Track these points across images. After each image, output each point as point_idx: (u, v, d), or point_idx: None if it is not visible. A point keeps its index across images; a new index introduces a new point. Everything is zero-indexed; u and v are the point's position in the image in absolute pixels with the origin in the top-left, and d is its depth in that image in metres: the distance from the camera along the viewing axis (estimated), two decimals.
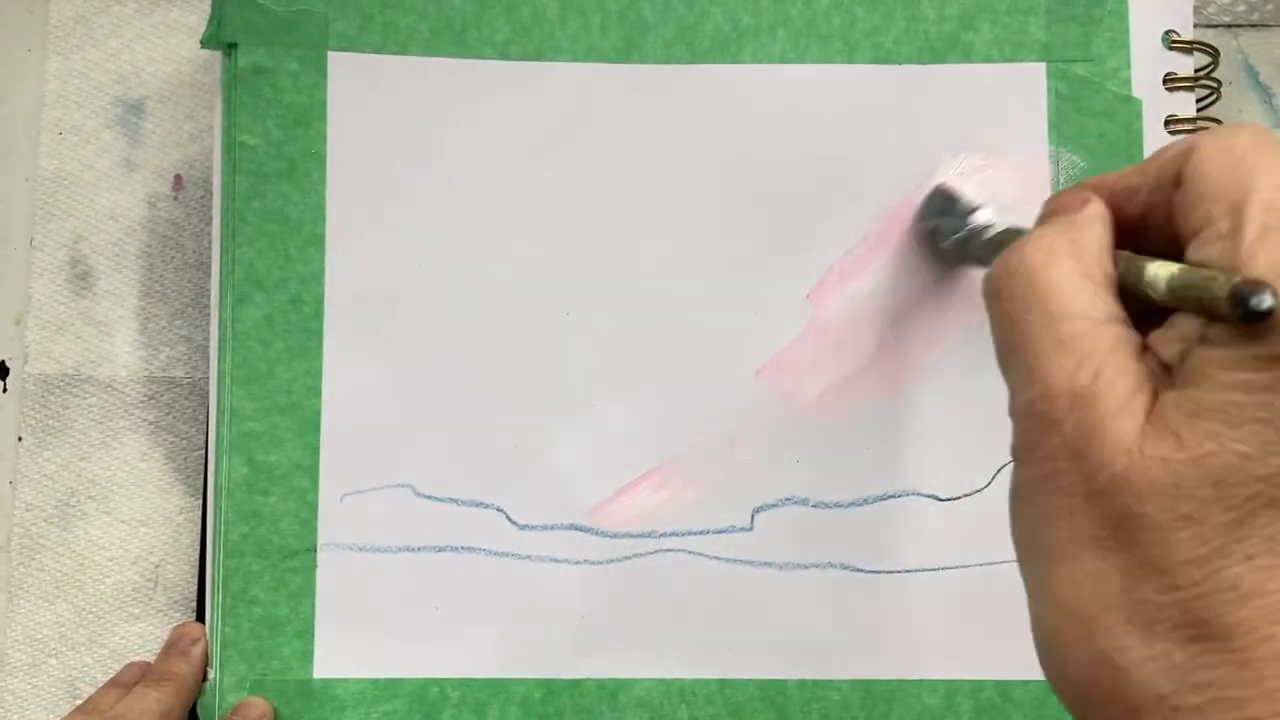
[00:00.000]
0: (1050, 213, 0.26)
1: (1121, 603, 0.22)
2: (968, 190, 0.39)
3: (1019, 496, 0.24)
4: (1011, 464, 0.24)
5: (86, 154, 0.42)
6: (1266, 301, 0.21)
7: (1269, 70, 0.43)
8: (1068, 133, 0.40)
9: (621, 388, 0.39)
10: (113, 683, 0.38)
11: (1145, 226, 0.25)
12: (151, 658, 0.39)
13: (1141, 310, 0.24)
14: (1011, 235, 0.32)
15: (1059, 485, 0.23)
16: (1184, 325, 0.23)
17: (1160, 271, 0.23)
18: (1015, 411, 0.24)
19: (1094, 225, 0.25)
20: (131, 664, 0.39)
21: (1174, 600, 0.21)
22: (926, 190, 0.39)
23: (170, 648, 0.38)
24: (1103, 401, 0.22)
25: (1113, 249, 0.25)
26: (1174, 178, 0.24)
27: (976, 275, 0.36)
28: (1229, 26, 0.43)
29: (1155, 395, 0.22)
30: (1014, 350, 0.24)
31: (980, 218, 0.36)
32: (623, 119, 0.40)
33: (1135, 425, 0.22)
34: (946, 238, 0.37)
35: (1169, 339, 0.23)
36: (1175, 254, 0.24)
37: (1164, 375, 0.23)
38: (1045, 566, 0.23)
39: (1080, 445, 0.22)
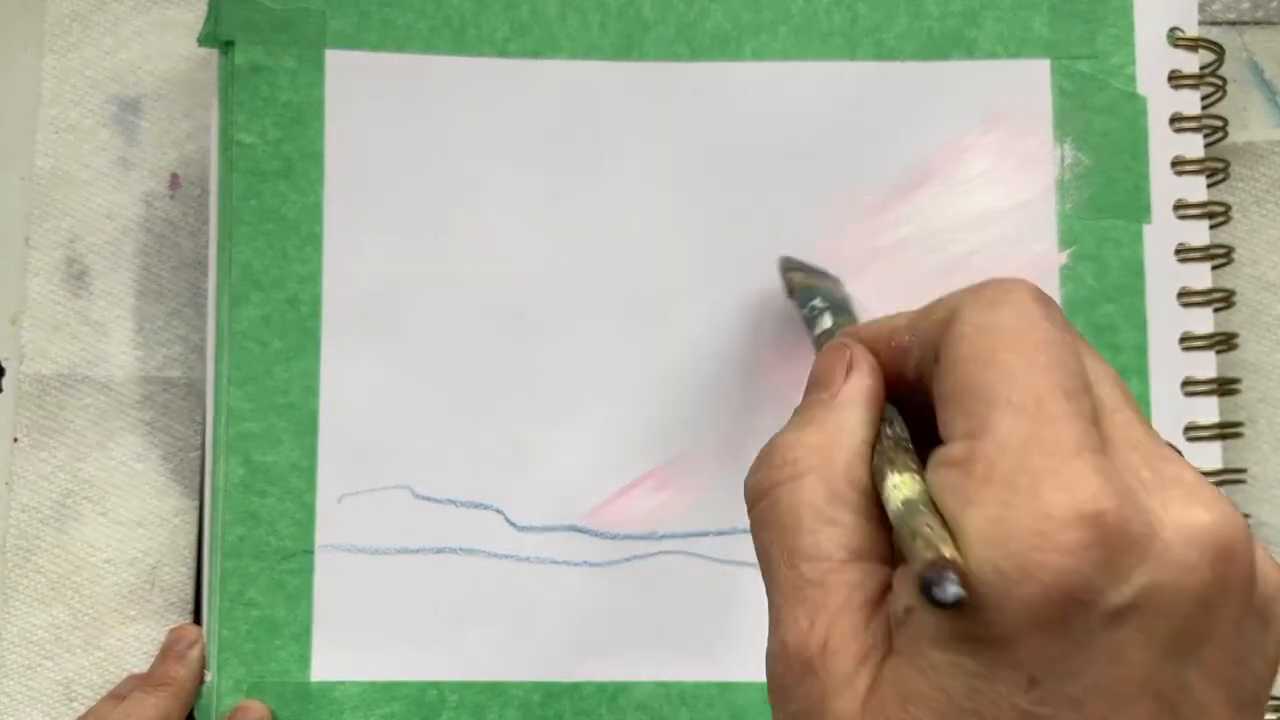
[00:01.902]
0: (812, 382, 0.24)
1: None
2: (806, 267, 0.37)
3: None
4: None
5: (82, 152, 0.42)
6: (950, 592, 0.18)
7: (1273, 67, 0.42)
8: (1072, 130, 0.39)
9: (622, 388, 0.39)
10: (112, 695, 0.38)
11: (925, 389, 0.22)
12: (148, 660, 0.39)
13: None
14: (828, 337, 0.29)
15: None
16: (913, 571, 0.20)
17: (899, 489, 0.21)
18: (766, 652, 0.22)
19: (851, 415, 0.23)
20: (131, 676, 0.39)
21: None
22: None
23: (167, 651, 0.38)
24: (828, 675, 0.20)
25: (873, 440, 0.22)
26: (936, 347, 0.22)
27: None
28: (1234, 24, 0.42)
29: (880, 663, 0.20)
30: (765, 579, 0.22)
31: (818, 299, 0.34)
32: (622, 117, 0.39)
33: (853, 708, 0.20)
34: (800, 302, 0.35)
35: (904, 588, 0.20)
36: None
37: (895, 628, 0.20)
38: None
39: (809, 718, 0.20)
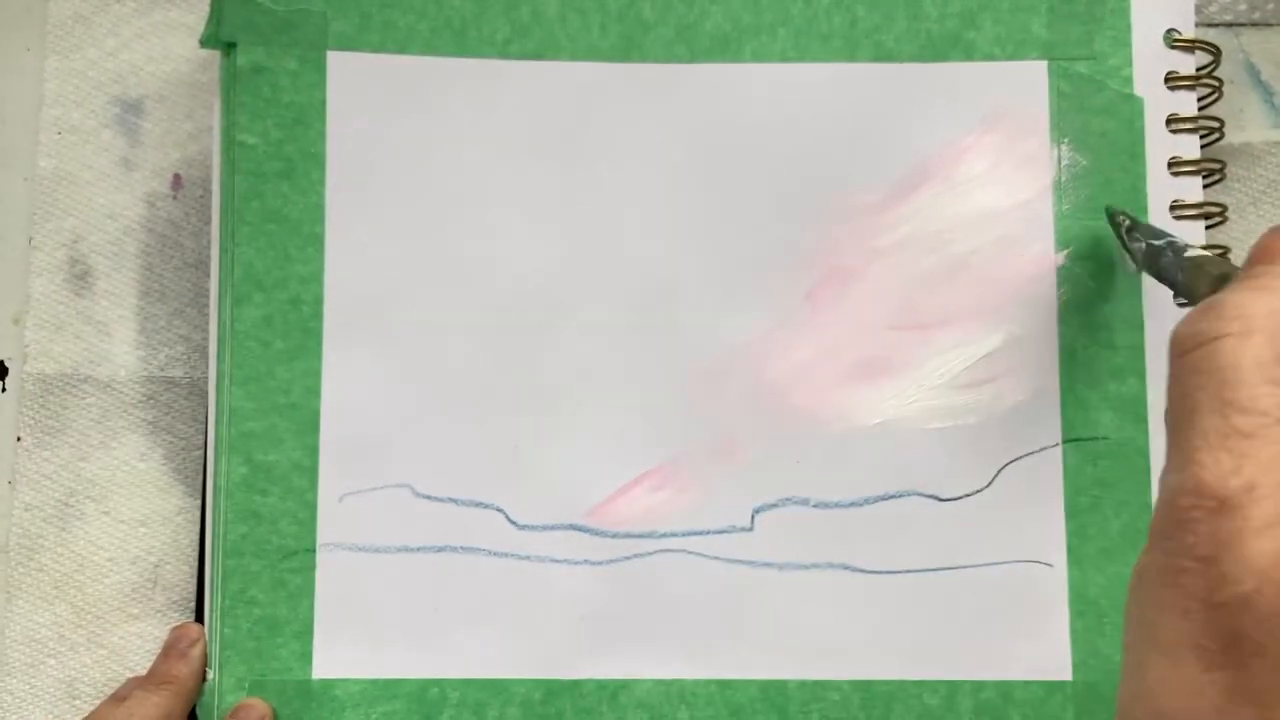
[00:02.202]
0: (1256, 257, 0.25)
1: None
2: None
3: (1140, 577, 0.23)
4: (1146, 541, 0.23)
5: (85, 153, 0.42)
6: None
7: (1270, 69, 0.42)
8: (1069, 131, 0.40)
9: (621, 387, 0.39)
10: (114, 697, 0.38)
11: None
12: (151, 658, 0.39)
13: None
14: (1213, 264, 0.30)
15: (1181, 583, 0.22)
16: None
17: None
18: (1163, 486, 0.23)
19: None
20: (132, 679, 0.39)
21: None
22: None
23: (169, 649, 0.38)
24: (1249, 515, 0.21)
25: None
26: None
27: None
28: (1230, 25, 0.43)
29: None
30: (1180, 423, 0.23)
31: (1180, 238, 0.35)
32: (623, 118, 0.40)
33: (1274, 549, 0.21)
34: (1143, 239, 0.36)
35: None
36: None
37: None
38: (1146, 655, 0.22)
39: (1213, 552, 0.21)
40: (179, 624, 0.39)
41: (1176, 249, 0.34)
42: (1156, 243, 0.35)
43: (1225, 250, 0.39)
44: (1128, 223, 0.38)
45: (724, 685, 0.38)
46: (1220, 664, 0.21)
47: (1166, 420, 0.24)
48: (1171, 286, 0.34)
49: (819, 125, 0.40)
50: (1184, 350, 0.23)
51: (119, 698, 0.38)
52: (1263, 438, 0.22)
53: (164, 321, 0.41)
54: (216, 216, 0.39)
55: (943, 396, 0.39)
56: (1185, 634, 0.22)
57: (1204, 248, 0.39)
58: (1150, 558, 0.23)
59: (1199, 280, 0.31)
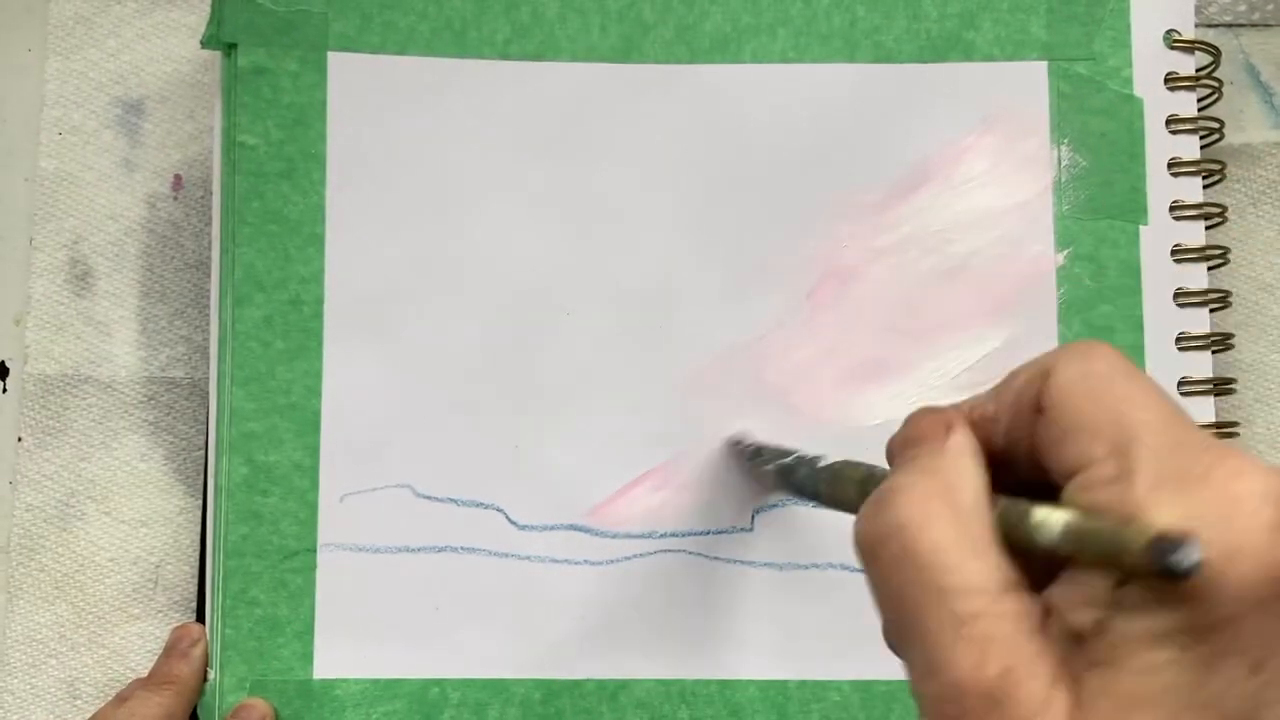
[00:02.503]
0: (908, 443, 0.24)
1: None
2: (769, 441, 0.37)
3: None
4: None
5: (86, 154, 0.42)
6: (1192, 556, 0.18)
7: (1270, 69, 0.42)
8: (1069, 132, 0.40)
9: (621, 387, 0.39)
10: (117, 698, 0.38)
11: (1010, 460, 0.23)
12: (152, 658, 0.39)
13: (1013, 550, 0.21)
14: (853, 468, 0.29)
15: None
16: (1090, 585, 0.20)
17: (1052, 517, 0.20)
18: (919, 700, 0.21)
19: (964, 462, 0.22)
20: (136, 681, 0.38)
21: None
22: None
23: (170, 649, 0.38)
24: (1020, 702, 0.19)
25: (988, 486, 0.22)
26: (1033, 403, 0.22)
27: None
28: (1230, 26, 0.43)
29: (1074, 680, 0.20)
30: (907, 631, 0.21)
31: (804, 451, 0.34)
32: (622, 119, 0.40)
33: None
34: (767, 462, 0.35)
35: (1076, 602, 0.20)
36: (1042, 488, 0.22)
37: (1074, 644, 0.20)
38: None
39: None
40: (180, 624, 0.39)
41: (808, 462, 0.33)
42: (786, 461, 0.34)
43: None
44: (751, 449, 0.37)
45: (724, 685, 0.38)
46: None
47: (886, 631, 0.22)
48: (814, 499, 0.32)
49: (819, 125, 0.40)
50: (875, 549, 0.22)
51: (121, 698, 0.38)
52: (994, 615, 0.20)
53: (165, 322, 0.41)
54: (217, 217, 0.39)
55: (943, 397, 0.39)
56: None
57: (1202, 247, 0.39)
58: None
59: (844, 486, 0.29)
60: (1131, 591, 0.19)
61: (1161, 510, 0.19)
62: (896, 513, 0.22)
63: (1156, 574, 0.18)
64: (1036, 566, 0.21)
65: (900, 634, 0.21)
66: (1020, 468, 0.23)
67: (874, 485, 0.24)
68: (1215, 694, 0.19)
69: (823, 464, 0.32)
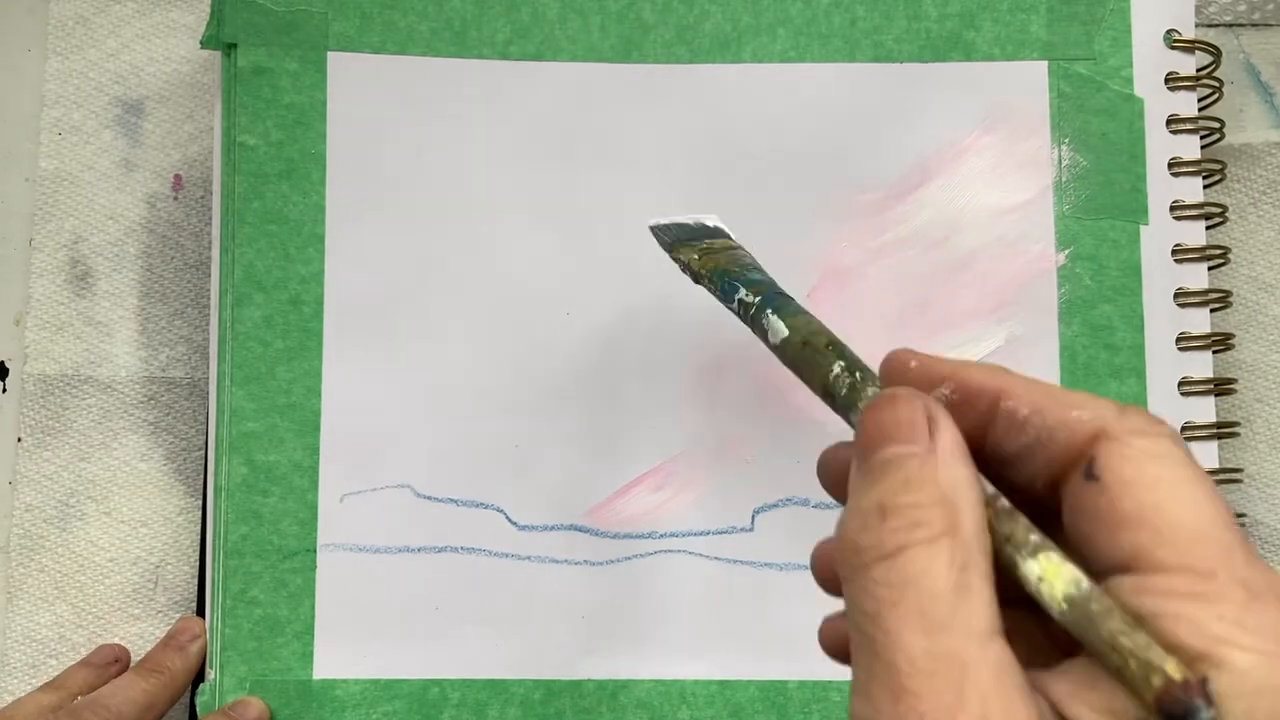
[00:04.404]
0: (888, 436, 0.21)
1: None
2: (688, 218, 0.33)
3: None
4: None
5: (86, 154, 0.42)
6: (1203, 717, 0.17)
7: (1270, 69, 0.42)
8: (1069, 131, 0.40)
9: (621, 387, 0.39)
10: (84, 662, 0.38)
11: (1003, 455, 0.22)
12: None
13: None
14: (799, 351, 0.25)
15: None
16: (1112, 700, 0.18)
17: (1051, 588, 0.19)
18: (860, 715, 0.20)
19: (960, 474, 0.20)
20: (104, 646, 0.39)
21: None
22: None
23: (168, 640, 0.38)
24: None
25: (985, 505, 0.20)
26: (1076, 449, 0.21)
27: None
28: (1230, 26, 0.43)
29: None
30: (874, 644, 0.19)
31: (743, 290, 0.29)
32: (623, 119, 0.40)
33: None
34: (720, 295, 0.30)
35: (1089, 708, 0.19)
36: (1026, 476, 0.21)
37: None
38: None
39: None
40: (184, 616, 0.39)
41: (754, 316, 0.28)
42: (733, 306, 0.29)
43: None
44: (672, 230, 0.32)
45: (724, 686, 0.38)
46: None
47: (852, 643, 0.20)
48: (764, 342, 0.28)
49: (819, 125, 0.40)
50: (867, 564, 0.20)
51: (90, 664, 0.38)
52: (978, 660, 0.19)
53: (164, 322, 0.41)
54: (217, 217, 0.39)
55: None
56: None
57: (1203, 247, 0.39)
58: None
59: (811, 375, 0.25)
60: None
61: (1244, 639, 0.18)
62: (899, 532, 0.20)
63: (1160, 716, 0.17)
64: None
65: (869, 648, 0.20)
66: (1004, 466, 0.22)
67: (842, 393, 0.22)
68: None
69: (777, 340, 0.27)
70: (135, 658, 0.40)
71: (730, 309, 0.29)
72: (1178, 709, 0.17)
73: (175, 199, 0.42)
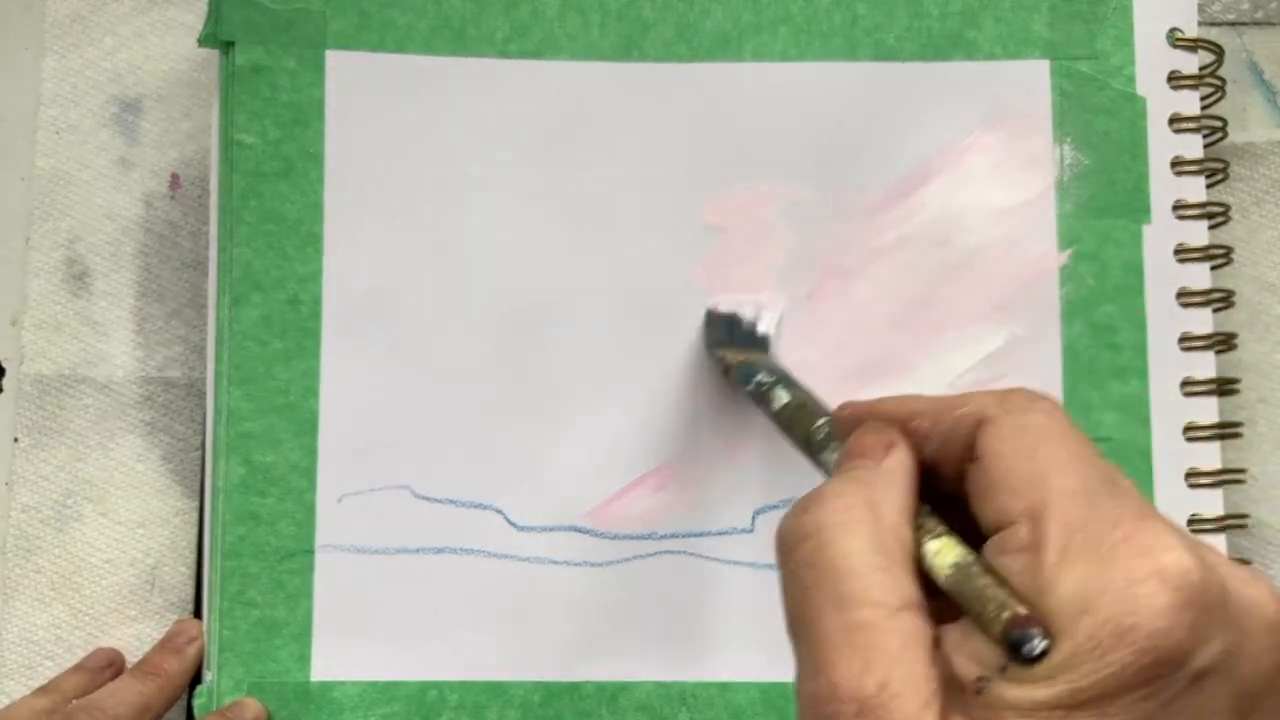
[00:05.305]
0: (850, 455, 0.25)
1: None
2: (745, 310, 0.38)
3: None
4: None
5: (83, 153, 0.42)
6: (1038, 646, 0.20)
7: (1273, 68, 0.42)
8: (1072, 130, 0.39)
9: (621, 388, 0.39)
10: (78, 667, 0.38)
11: (935, 469, 0.24)
12: None
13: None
14: (794, 411, 0.32)
15: None
16: (981, 647, 0.21)
17: (941, 559, 0.22)
18: (800, 696, 0.22)
19: (894, 479, 0.24)
20: (99, 650, 0.39)
21: None
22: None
23: (166, 642, 0.38)
24: (890, 716, 0.20)
25: (914, 508, 0.23)
26: (964, 442, 0.23)
27: None
28: (1233, 24, 0.42)
29: (944, 713, 0.20)
30: (802, 625, 0.22)
31: (762, 374, 0.35)
32: (623, 118, 0.39)
33: None
34: (740, 380, 0.36)
35: (964, 653, 0.21)
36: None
37: (954, 686, 0.21)
38: None
39: None
40: (181, 618, 0.39)
41: (763, 392, 0.34)
42: (749, 388, 0.35)
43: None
44: (721, 356, 0.38)
45: (724, 687, 0.38)
46: None
47: (787, 623, 0.23)
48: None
49: (819, 125, 0.40)
50: (792, 546, 0.23)
51: (84, 669, 0.38)
52: (886, 629, 0.21)
53: (162, 322, 0.41)
54: (215, 216, 0.39)
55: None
56: None
57: (1205, 247, 0.39)
58: None
59: (794, 434, 0.31)
60: (1014, 666, 0.20)
61: (1058, 588, 0.20)
62: (816, 516, 0.23)
63: (1009, 658, 0.20)
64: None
65: (796, 624, 0.22)
66: (946, 482, 0.24)
67: (818, 439, 0.28)
68: None
69: (778, 404, 0.33)
70: (132, 659, 0.40)
71: (746, 390, 0.35)
72: (1016, 637, 0.20)
73: (173, 198, 0.42)
